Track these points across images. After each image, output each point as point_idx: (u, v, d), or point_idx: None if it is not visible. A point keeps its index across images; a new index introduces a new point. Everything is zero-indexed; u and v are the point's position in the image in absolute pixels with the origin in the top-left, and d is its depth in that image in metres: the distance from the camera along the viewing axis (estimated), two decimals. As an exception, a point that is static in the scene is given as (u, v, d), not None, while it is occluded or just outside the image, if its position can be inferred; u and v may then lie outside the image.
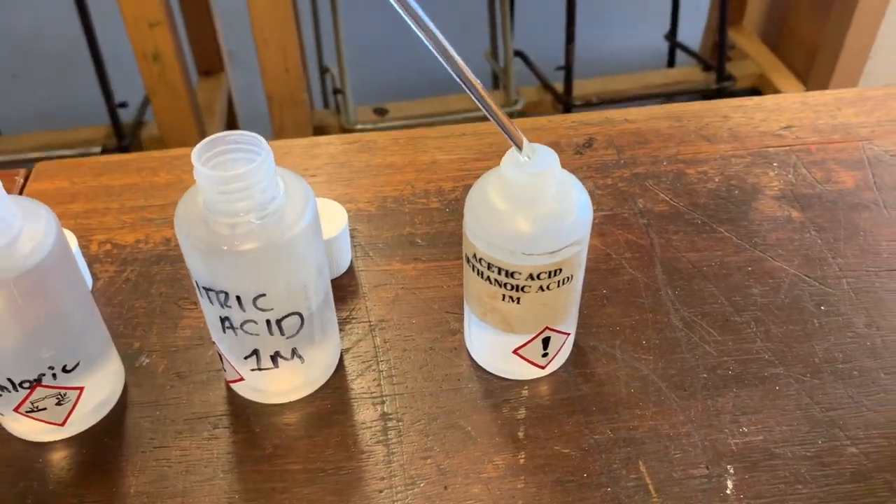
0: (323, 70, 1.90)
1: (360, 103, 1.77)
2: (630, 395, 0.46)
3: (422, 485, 0.42)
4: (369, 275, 0.53)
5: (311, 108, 1.72)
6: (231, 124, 1.99)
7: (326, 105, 1.95)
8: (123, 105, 1.71)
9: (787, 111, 0.67)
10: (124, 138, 1.70)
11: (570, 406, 0.45)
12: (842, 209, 0.57)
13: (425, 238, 0.56)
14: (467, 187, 0.59)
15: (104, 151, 1.75)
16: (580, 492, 0.41)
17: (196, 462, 0.43)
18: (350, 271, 0.53)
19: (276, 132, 1.73)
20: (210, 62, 1.99)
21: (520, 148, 0.38)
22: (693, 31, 2.17)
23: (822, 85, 1.83)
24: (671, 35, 1.96)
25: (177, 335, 0.49)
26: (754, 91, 2.01)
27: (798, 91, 1.90)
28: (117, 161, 0.63)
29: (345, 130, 1.78)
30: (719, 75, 1.80)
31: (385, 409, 0.45)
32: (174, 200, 0.58)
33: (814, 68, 1.84)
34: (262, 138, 0.38)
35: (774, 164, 0.61)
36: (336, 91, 1.76)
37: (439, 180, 0.61)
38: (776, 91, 1.94)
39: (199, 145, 0.37)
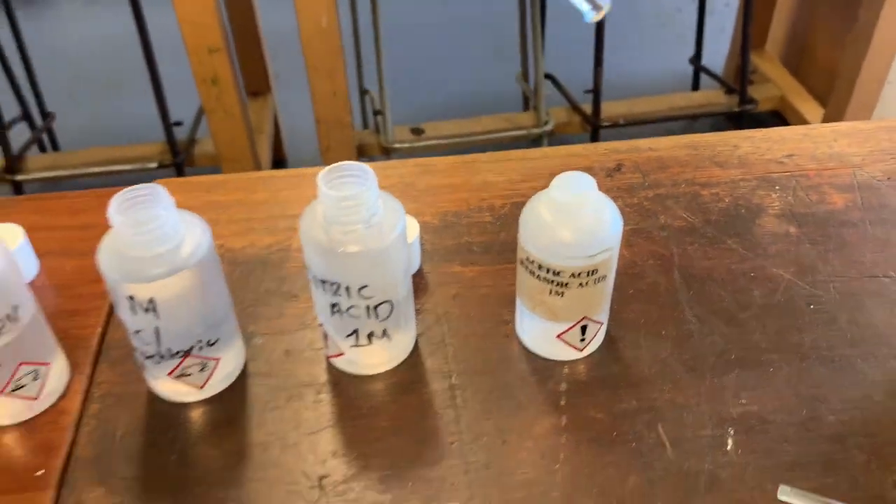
0: (363, 92, 2.03)
1: (396, 123, 1.90)
2: (651, 374, 0.56)
3: (484, 439, 0.53)
4: (435, 275, 0.64)
5: (352, 129, 1.84)
6: (278, 142, 2.12)
7: (366, 126, 2.07)
8: (178, 124, 1.85)
9: (789, 142, 0.77)
10: (178, 155, 1.84)
11: (602, 382, 0.56)
12: (832, 226, 0.68)
13: (480, 246, 0.67)
14: (515, 204, 0.71)
15: (160, 167, 1.89)
16: (610, 446, 0.52)
17: (305, 420, 0.54)
18: (420, 272, 0.65)
19: (322, 152, 1.86)
20: (258, 83, 2.13)
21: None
22: (717, 55, 2.28)
23: (841, 108, 1.92)
24: (696, 59, 2.06)
25: (282, 321, 0.61)
26: (775, 114, 2.10)
27: (817, 113, 1.99)
28: (222, 181, 0.75)
29: (385, 149, 1.91)
30: (741, 98, 1.90)
31: (452, 382, 0.56)
32: (273, 214, 0.70)
33: (833, 92, 1.93)
34: (368, 168, 0.49)
35: (777, 188, 0.72)
36: (376, 112, 1.88)
37: (491, 198, 0.72)
38: (796, 113, 2.03)
39: (323, 171, 0.49)
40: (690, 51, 2.05)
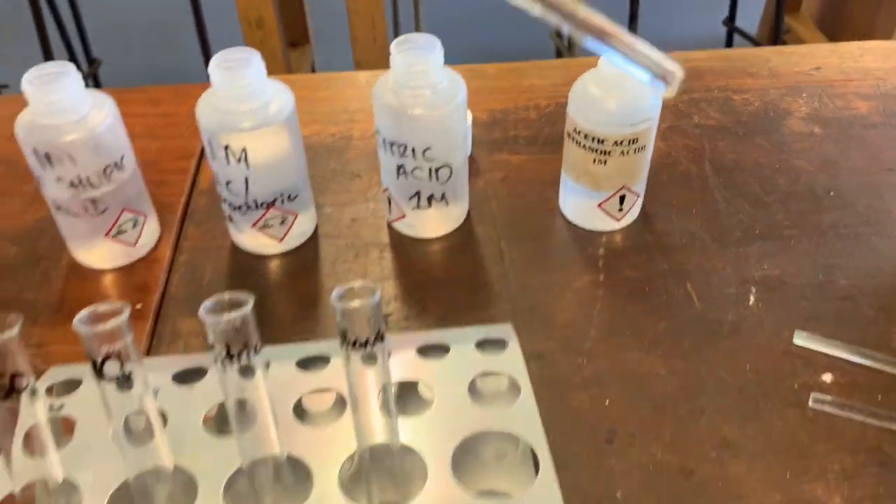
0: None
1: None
2: (682, 243, 0.62)
3: (529, 290, 0.59)
4: (485, 161, 0.71)
5: (393, 75, 1.90)
6: (316, 91, 2.18)
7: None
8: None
9: (818, 56, 0.82)
10: (225, 98, 1.91)
11: (637, 248, 0.62)
12: (855, 128, 0.73)
13: (526, 139, 0.73)
14: (559, 104, 0.76)
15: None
16: (643, 299, 0.58)
17: (371, 271, 0.61)
18: (471, 158, 0.71)
19: (362, 95, 1.92)
20: (297, 35, 2.18)
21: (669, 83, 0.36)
22: (751, 16, 2.29)
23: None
24: (729, 20, 2.08)
25: (348, 195, 0.67)
26: (807, 73, 2.12)
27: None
28: (286, 80, 0.81)
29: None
30: (773, 56, 1.92)
31: (501, 246, 0.62)
32: (335, 109, 0.77)
33: (866, 54, 1.95)
34: (436, 39, 0.55)
35: (804, 95, 0.77)
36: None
37: (537, 98, 0.78)
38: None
39: (396, 41, 0.55)
40: (724, 12, 2.07)
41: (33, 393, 0.37)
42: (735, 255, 0.61)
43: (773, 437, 0.49)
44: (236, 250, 0.64)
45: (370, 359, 0.38)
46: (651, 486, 0.46)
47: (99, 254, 0.61)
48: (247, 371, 0.37)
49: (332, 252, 0.63)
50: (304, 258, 0.63)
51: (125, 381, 0.37)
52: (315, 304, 0.59)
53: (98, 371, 0.35)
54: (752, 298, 0.58)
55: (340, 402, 0.46)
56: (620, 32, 0.34)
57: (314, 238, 0.64)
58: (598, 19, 0.34)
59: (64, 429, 0.42)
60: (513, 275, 0.60)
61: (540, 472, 0.41)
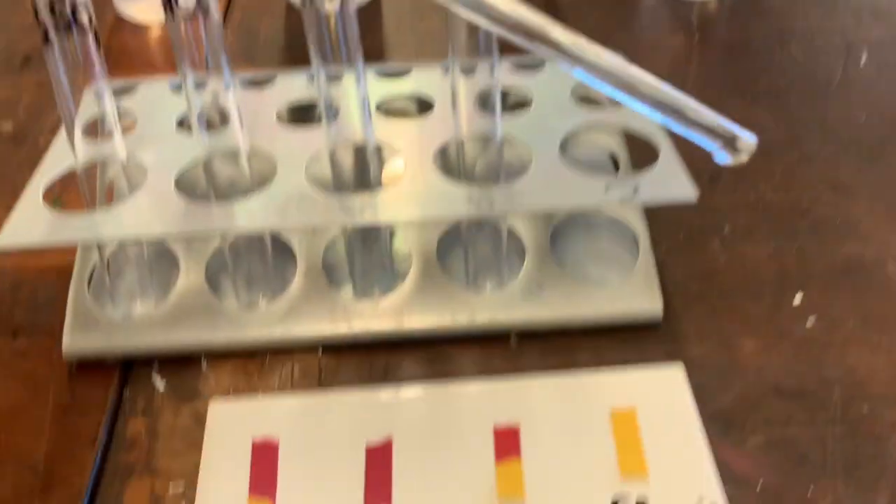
0: None
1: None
2: (783, 6, 0.57)
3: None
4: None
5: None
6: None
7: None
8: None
9: None
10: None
11: (734, 11, 0.57)
12: None
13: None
14: None
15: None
16: (743, 57, 0.53)
17: None
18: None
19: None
20: None
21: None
22: None
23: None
24: None
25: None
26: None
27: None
28: None
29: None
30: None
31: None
32: None
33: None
34: None
35: None
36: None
37: None
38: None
39: None
40: None
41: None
42: (843, 17, 0.56)
43: (894, 180, 0.44)
44: (290, 7, 0.59)
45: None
46: (761, 222, 0.42)
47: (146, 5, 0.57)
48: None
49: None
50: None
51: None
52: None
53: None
54: (863, 59, 0.53)
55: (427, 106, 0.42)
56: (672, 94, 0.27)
57: (377, -1, 0.60)
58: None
59: (124, 128, 0.38)
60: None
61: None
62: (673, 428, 0.33)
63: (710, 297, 0.38)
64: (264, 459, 0.32)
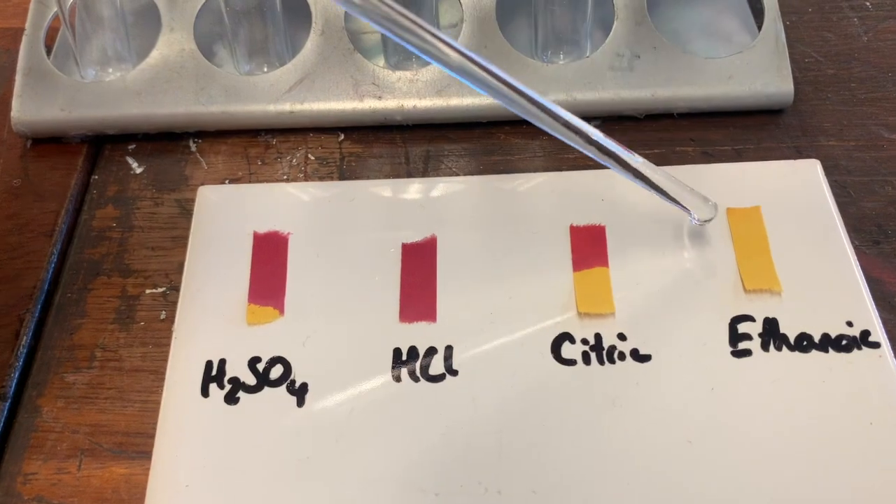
0: None
1: None
2: None
3: None
4: None
5: None
6: None
7: None
8: None
9: None
10: None
11: None
12: None
13: None
14: None
15: None
16: None
17: None
18: None
19: None
20: None
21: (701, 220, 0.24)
22: None
23: None
24: None
25: None
26: None
27: None
28: None
29: None
30: None
31: None
32: None
33: None
34: None
35: None
36: None
37: None
38: None
39: None
40: None
41: None
42: None
43: None
44: None
45: None
46: (913, -1, 0.33)
47: None
48: None
49: None
50: None
51: None
52: None
53: None
54: None
55: None
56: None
57: None
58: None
59: None
60: None
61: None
62: (809, 234, 0.24)
63: (850, 84, 0.29)
64: (270, 257, 0.25)
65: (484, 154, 0.28)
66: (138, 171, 0.28)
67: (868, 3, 0.32)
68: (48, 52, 0.30)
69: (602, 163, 0.23)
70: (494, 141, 0.28)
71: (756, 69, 0.28)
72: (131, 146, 0.28)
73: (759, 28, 0.29)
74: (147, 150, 0.28)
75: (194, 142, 0.28)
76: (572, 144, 0.22)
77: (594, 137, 0.22)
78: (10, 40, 0.31)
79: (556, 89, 0.28)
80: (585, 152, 0.22)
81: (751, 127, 0.28)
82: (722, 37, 0.30)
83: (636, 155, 0.23)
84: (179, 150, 0.28)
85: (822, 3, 0.32)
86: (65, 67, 0.29)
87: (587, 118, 0.28)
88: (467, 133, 0.28)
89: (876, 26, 0.31)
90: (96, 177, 0.28)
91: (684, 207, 0.24)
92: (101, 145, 0.28)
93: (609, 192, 0.25)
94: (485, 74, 0.21)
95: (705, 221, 0.24)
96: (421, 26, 0.20)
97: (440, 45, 0.20)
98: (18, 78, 0.28)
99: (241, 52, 0.29)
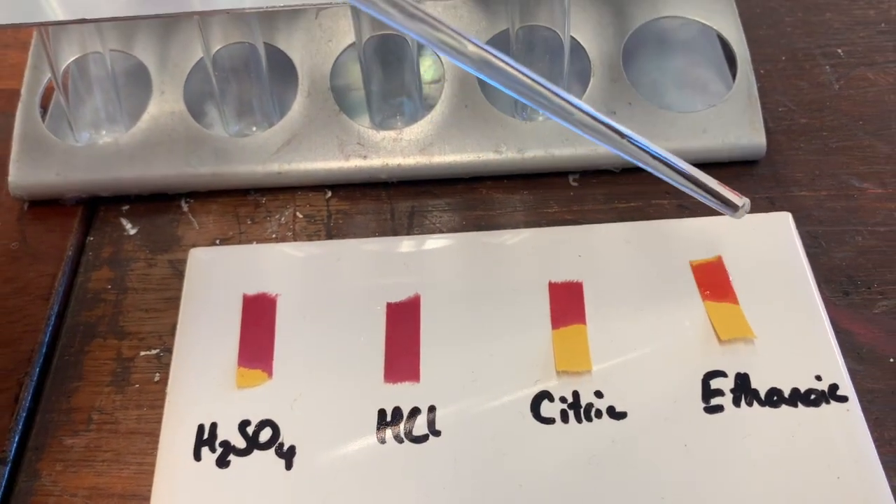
0: None
1: None
2: None
3: None
4: None
5: None
6: None
7: None
8: None
9: None
10: None
11: None
12: None
13: None
14: None
15: None
16: None
17: None
18: None
19: None
20: None
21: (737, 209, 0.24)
22: None
23: None
24: None
25: None
26: None
27: None
28: None
29: None
30: None
31: None
32: None
33: None
34: None
35: None
36: None
37: None
38: None
39: None
40: None
41: None
42: None
43: None
44: None
45: None
46: (885, 43, 0.33)
47: None
48: None
49: None
50: None
51: None
52: None
53: None
54: None
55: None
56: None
57: None
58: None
59: None
60: None
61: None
62: (779, 288, 0.25)
63: (822, 132, 0.30)
64: (258, 319, 0.25)
65: (467, 209, 0.29)
66: (132, 231, 0.29)
67: (840, 51, 0.33)
68: (43, 112, 0.31)
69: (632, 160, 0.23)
70: (476, 196, 0.29)
71: (729, 122, 0.28)
72: (125, 207, 0.29)
73: (734, 76, 0.30)
74: (140, 210, 0.29)
75: (186, 202, 0.29)
76: (598, 142, 0.23)
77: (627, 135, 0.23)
78: (6, 101, 0.32)
79: (534, 146, 0.29)
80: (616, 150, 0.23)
81: (725, 178, 0.28)
82: (698, 86, 0.31)
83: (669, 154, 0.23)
84: (172, 210, 0.29)
85: (795, 51, 0.33)
86: (59, 129, 0.30)
87: (564, 172, 0.29)
88: (450, 188, 0.29)
89: (847, 74, 0.32)
90: (91, 238, 0.29)
91: (718, 200, 0.24)
92: (96, 206, 0.29)
93: (586, 247, 0.26)
94: (506, 67, 0.21)
95: (739, 212, 0.24)
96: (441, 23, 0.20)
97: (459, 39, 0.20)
98: (15, 143, 0.29)
99: (229, 112, 0.30)
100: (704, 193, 0.24)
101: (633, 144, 0.23)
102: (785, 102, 0.31)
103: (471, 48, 0.21)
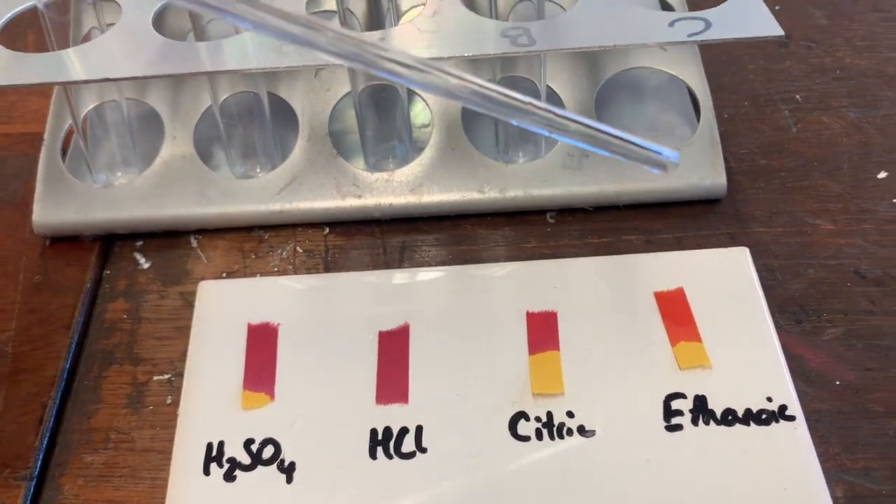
0: None
1: None
2: None
3: None
4: None
5: None
6: None
7: None
8: None
9: None
10: None
11: None
12: None
13: None
14: None
15: None
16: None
17: None
18: None
19: None
20: None
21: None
22: None
23: None
24: None
25: None
26: None
27: None
28: None
29: None
30: None
31: None
32: None
33: None
34: None
35: None
36: None
37: None
38: None
39: None
40: None
41: None
42: None
43: None
44: None
45: None
46: (840, 89, 0.36)
47: None
48: None
49: None
50: None
51: None
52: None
53: None
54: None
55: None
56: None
57: None
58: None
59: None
60: None
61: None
62: (736, 316, 0.28)
63: (780, 173, 0.33)
64: (261, 346, 0.28)
65: (453, 244, 0.31)
66: (145, 266, 0.31)
67: (798, 97, 0.36)
68: (63, 154, 0.33)
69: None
70: (462, 232, 0.32)
71: (693, 165, 0.31)
72: (139, 243, 0.32)
73: (699, 120, 0.32)
74: (153, 246, 0.32)
75: (195, 238, 0.32)
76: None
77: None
78: (29, 145, 0.35)
79: (514, 186, 0.31)
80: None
81: (689, 216, 0.31)
82: (667, 131, 0.34)
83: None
84: (182, 245, 0.32)
85: (756, 97, 0.36)
86: (78, 171, 0.33)
87: (542, 210, 0.32)
88: (438, 225, 0.32)
89: (805, 118, 0.35)
90: (108, 272, 0.31)
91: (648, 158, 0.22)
92: (112, 243, 0.32)
93: (561, 280, 0.29)
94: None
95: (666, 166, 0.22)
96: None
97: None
98: (39, 185, 0.32)
99: (235, 155, 0.33)
100: (632, 155, 0.22)
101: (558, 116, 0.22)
102: (747, 145, 0.34)
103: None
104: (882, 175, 0.32)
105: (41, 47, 0.35)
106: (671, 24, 0.26)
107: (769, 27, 0.25)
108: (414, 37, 0.27)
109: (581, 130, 0.22)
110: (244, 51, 0.27)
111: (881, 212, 0.31)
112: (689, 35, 0.25)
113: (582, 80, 0.32)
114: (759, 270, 0.29)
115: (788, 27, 0.38)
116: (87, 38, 0.33)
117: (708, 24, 0.25)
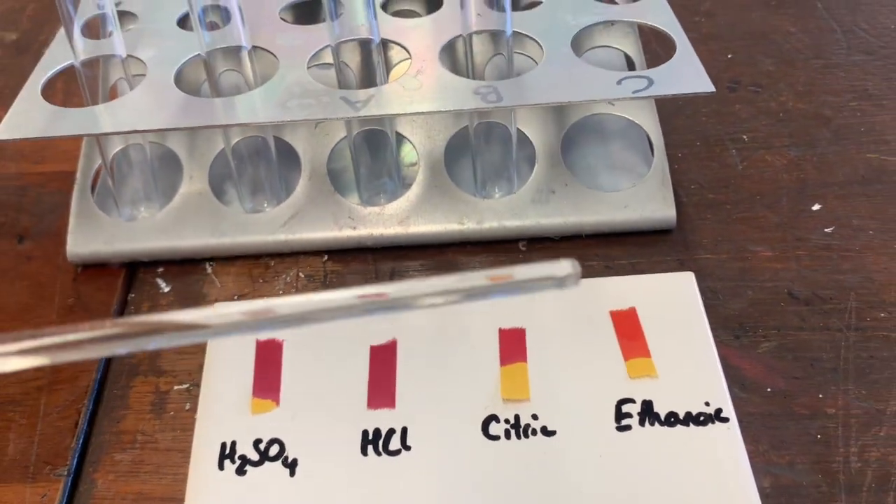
0: None
1: None
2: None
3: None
4: None
5: None
6: None
7: None
8: None
9: None
10: None
11: None
12: None
13: None
14: None
15: None
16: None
17: None
18: None
19: None
20: None
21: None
22: None
23: None
24: None
25: None
26: None
27: None
28: None
29: None
30: None
31: None
32: None
33: None
34: None
35: None
36: None
37: None
38: None
39: None
40: None
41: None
42: None
43: (923, 88, 0.43)
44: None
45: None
46: (782, 131, 0.41)
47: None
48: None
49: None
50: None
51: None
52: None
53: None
54: (896, -34, 0.51)
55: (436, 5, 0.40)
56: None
57: None
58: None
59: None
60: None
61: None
62: (681, 332, 0.32)
63: (726, 206, 0.37)
64: (268, 359, 0.32)
65: (437, 269, 0.36)
66: (166, 290, 0.35)
67: (745, 137, 0.40)
68: (92, 190, 0.38)
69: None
70: (444, 259, 0.36)
71: (646, 199, 0.35)
72: (160, 269, 0.36)
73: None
74: (173, 272, 0.36)
75: (210, 265, 0.36)
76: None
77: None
78: (61, 182, 0.39)
79: (490, 218, 0.35)
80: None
81: (644, 244, 0.35)
82: (626, 168, 0.38)
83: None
84: (198, 272, 0.36)
85: (707, 137, 0.40)
86: (105, 205, 0.37)
87: (515, 240, 0.36)
88: (423, 253, 0.36)
89: (750, 156, 0.39)
90: (133, 295, 0.35)
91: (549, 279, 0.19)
92: (136, 270, 0.36)
93: (529, 300, 0.33)
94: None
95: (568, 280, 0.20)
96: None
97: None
98: (72, 219, 0.36)
99: (245, 191, 0.37)
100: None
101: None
102: (697, 180, 0.38)
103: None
104: (816, 207, 0.37)
105: (69, 93, 0.40)
106: (619, 82, 0.30)
107: (702, 84, 0.30)
108: (399, 94, 0.31)
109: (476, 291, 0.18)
110: (254, 106, 0.31)
111: (814, 239, 0.36)
112: (634, 91, 0.29)
113: (550, 126, 0.37)
114: (703, 292, 0.33)
115: (739, 74, 0.43)
116: (113, 88, 0.37)
117: (650, 82, 0.30)
